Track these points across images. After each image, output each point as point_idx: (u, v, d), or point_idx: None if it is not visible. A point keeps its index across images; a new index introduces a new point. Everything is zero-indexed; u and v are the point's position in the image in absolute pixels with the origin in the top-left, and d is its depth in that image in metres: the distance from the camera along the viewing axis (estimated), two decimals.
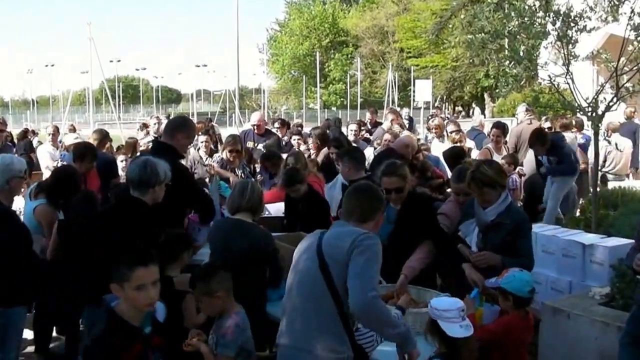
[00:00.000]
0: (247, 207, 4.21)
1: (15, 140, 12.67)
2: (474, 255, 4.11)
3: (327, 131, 10.29)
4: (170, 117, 9.63)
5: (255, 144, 9.06)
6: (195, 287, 3.52)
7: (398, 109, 15.98)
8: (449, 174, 7.49)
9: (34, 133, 17.37)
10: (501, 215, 4.04)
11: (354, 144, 8.73)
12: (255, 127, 9.40)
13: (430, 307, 3.31)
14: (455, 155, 6.90)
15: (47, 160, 9.36)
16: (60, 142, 10.50)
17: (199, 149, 8.47)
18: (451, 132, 9.34)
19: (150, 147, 6.49)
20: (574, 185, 7.86)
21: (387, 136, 8.13)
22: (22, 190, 5.43)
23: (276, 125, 11.40)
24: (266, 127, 10.03)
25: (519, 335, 3.63)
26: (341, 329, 3.11)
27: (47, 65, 69.47)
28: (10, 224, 4.14)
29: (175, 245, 4.15)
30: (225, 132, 13.53)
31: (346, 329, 3.12)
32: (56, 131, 10.42)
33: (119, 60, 68.23)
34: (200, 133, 9.19)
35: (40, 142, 12.76)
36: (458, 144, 8.60)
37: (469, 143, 9.69)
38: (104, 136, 8.38)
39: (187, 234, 4.41)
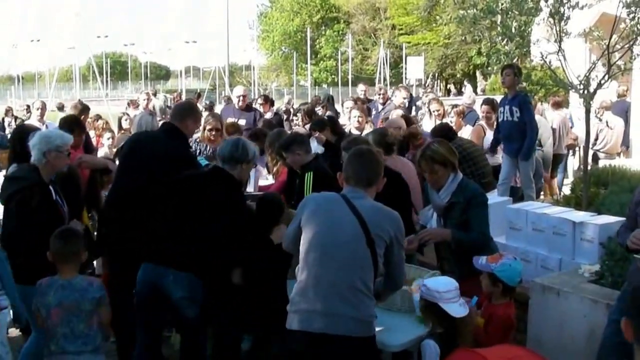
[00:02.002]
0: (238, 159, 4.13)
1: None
2: (419, 235, 4.07)
3: (316, 108, 10.20)
4: (157, 94, 9.51)
5: (237, 120, 8.87)
6: None
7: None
8: None
9: (28, 110, 17.24)
10: (454, 195, 4.06)
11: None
12: (241, 99, 9.17)
13: (427, 289, 3.29)
14: (442, 132, 6.90)
15: None
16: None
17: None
18: (434, 111, 9.21)
19: (156, 126, 6.20)
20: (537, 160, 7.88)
21: (356, 112, 8.12)
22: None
23: (259, 101, 11.29)
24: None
25: (510, 322, 3.62)
26: (372, 296, 3.20)
27: (32, 41, 68.55)
28: (49, 201, 4.16)
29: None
30: (216, 110, 13.41)
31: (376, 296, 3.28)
32: (43, 107, 10.26)
33: (106, 36, 67.75)
34: (204, 109, 9.03)
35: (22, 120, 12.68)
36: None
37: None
38: (83, 108, 8.10)
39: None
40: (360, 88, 12.62)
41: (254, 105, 10.69)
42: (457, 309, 3.20)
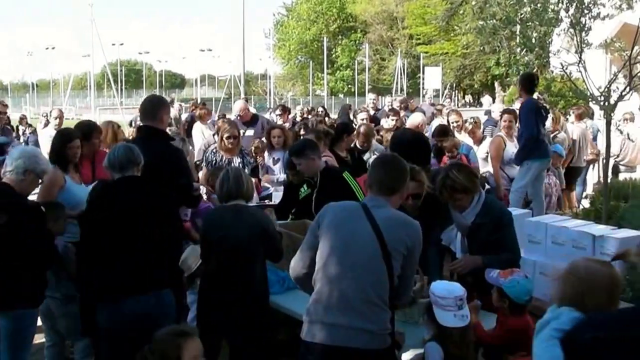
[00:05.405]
0: (245, 195, 4.20)
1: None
2: (451, 265, 4.01)
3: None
4: (173, 103, 9.42)
5: (244, 131, 8.76)
6: None
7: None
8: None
9: (47, 119, 17.41)
10: (480, 215, 3.99)
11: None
12: (238, 118, 8.78)
13: (430, 290, 3.31)
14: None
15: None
16: None
17: (214, 134, 8.21)
18: (452, 122, 9.09)
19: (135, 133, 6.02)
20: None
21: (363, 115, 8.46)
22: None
23: (277, 112, 11.29)
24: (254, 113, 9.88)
25: (525, 336, 3.55)
26: (387, 307, 3.16)
27: (47, 48, 69.32)
28: (21, 220, 3.86)
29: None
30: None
31: (391, 307, 3.21)
32: (61, 115, 10.28)
33: (121, 44, 68.18)
34: (218, 117, 8.90)
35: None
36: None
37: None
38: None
39: None
40: (370, 97, 12.77)
41: (271, 115, 10.70)
42: (446, 316, 3.17)
